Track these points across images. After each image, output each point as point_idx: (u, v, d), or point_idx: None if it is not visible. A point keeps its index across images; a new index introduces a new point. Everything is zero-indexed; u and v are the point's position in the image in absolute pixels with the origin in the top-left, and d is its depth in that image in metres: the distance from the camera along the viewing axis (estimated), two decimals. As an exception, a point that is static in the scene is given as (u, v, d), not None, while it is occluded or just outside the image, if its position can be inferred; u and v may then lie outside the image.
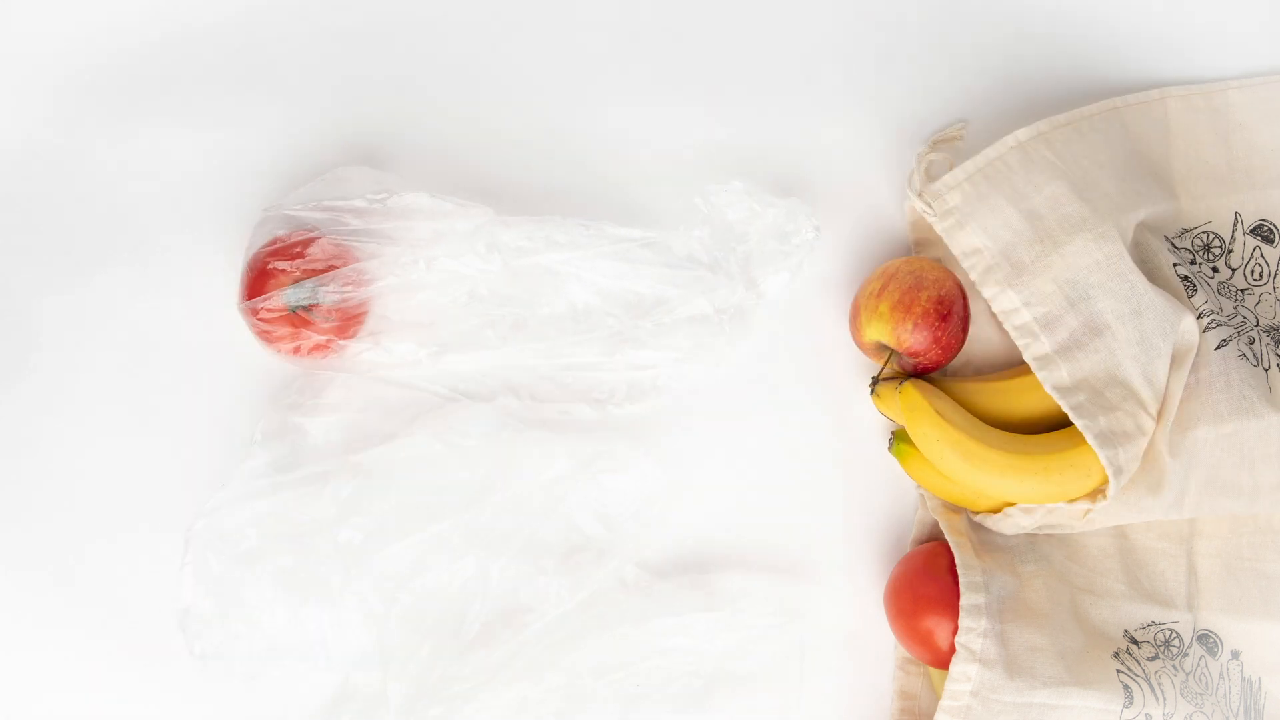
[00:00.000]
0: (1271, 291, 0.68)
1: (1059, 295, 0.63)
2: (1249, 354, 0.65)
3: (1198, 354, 0.65)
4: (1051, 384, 0.64)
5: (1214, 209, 0.71)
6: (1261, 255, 0.68)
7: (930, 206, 0.66)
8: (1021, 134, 0.66)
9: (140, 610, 0.70)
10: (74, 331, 0.71)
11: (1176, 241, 0.69)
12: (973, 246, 0.65)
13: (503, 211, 0.68)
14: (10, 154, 0.72)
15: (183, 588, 0.65)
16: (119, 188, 0.72)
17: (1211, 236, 0.70)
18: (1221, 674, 0.67)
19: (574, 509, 0.69)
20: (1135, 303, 0.63)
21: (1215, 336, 0.65)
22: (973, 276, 0.65)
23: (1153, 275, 0.67)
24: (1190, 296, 0.66)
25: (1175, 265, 0.67)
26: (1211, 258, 0.69)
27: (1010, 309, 0.65)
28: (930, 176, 0.68)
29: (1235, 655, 0.68)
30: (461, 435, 0.69)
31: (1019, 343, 0.64)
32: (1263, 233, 0.69)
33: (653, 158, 0.73)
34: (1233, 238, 0.70)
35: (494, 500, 0.68)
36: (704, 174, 0.72)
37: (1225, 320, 0.66)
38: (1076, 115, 0.68)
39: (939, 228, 0.66)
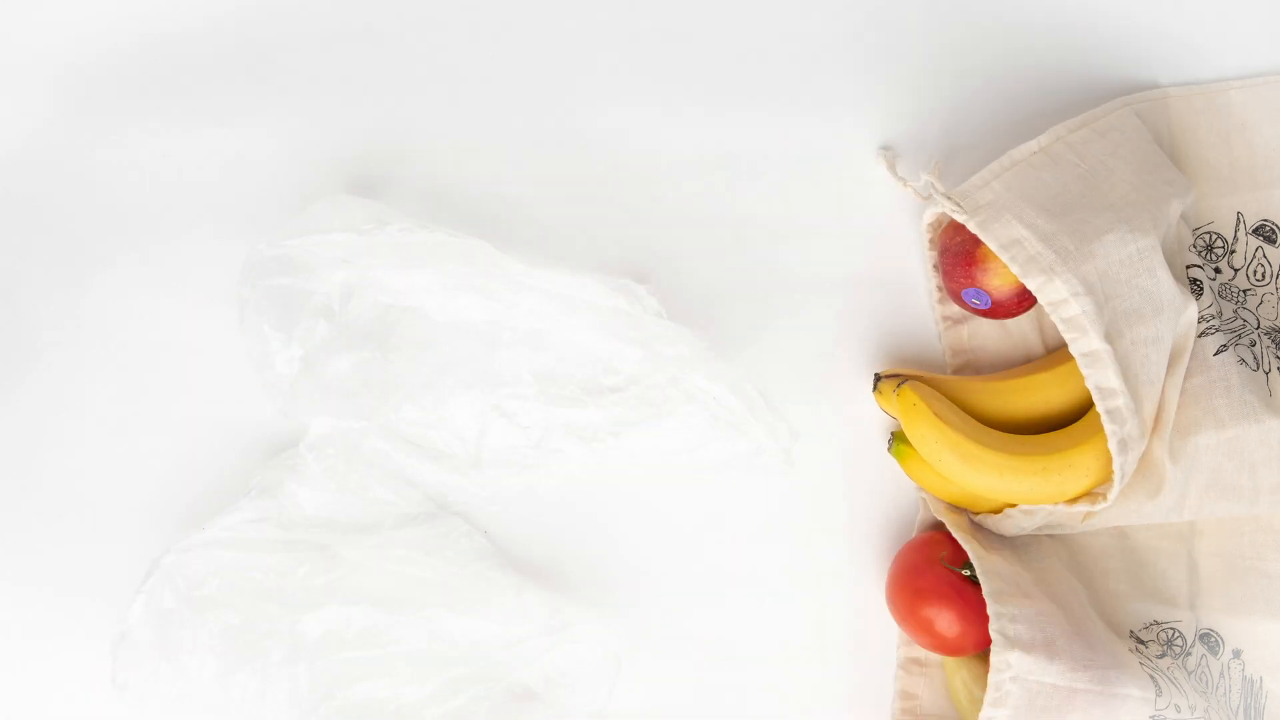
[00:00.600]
0: (1274, 292, 0.68)
1: (1100, 288, 0.61)
2: (1249, 358, 0.65)
3: (1199, 359, 0.64)
4: (1095, 383, 0.61)
5: (1216, 209, 0.70)
6: (1264, 255, 0.67)
7: (959, 205, 0.63)
8: (1043, 139, 0.65)
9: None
10: (75, 332, 0.70)
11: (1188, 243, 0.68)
12: (1012, 237, 0.62)
13: (499, 230, 0.67)
14: (10, 154, 0.71)
15: (130, 613, 0.64)
16: (120, 188, 0.71)
17: (1214, 237, 0.69)
18: (1222, 673, 0.67)
19: (527, 676, 0.68)
20: (1158, 300, 0.62)
21: (1214, 342, 0.65)
22: (1014, 269, 0.61)
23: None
24: (1197, 299, 0.66)
25: (1189, 266, 0.66)
26: (1214, 258, 0.69)
27: (1058, 300, 0.61)
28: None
29: (1236, 654, 0.68)
30: (441, 559, 0.68)
31: (1066, 336, 0.61)
32: (1265, 233, 0.68)
33: (655, 163, 0.71)
34: (1235, 238, 0.69)
35: (453, 644, 0.67)
36: (709, 179, 0.71)
37: (1225, 325, 0.66)
38: (1089, 117, 0.67)
39: (972, 224, 0.62)
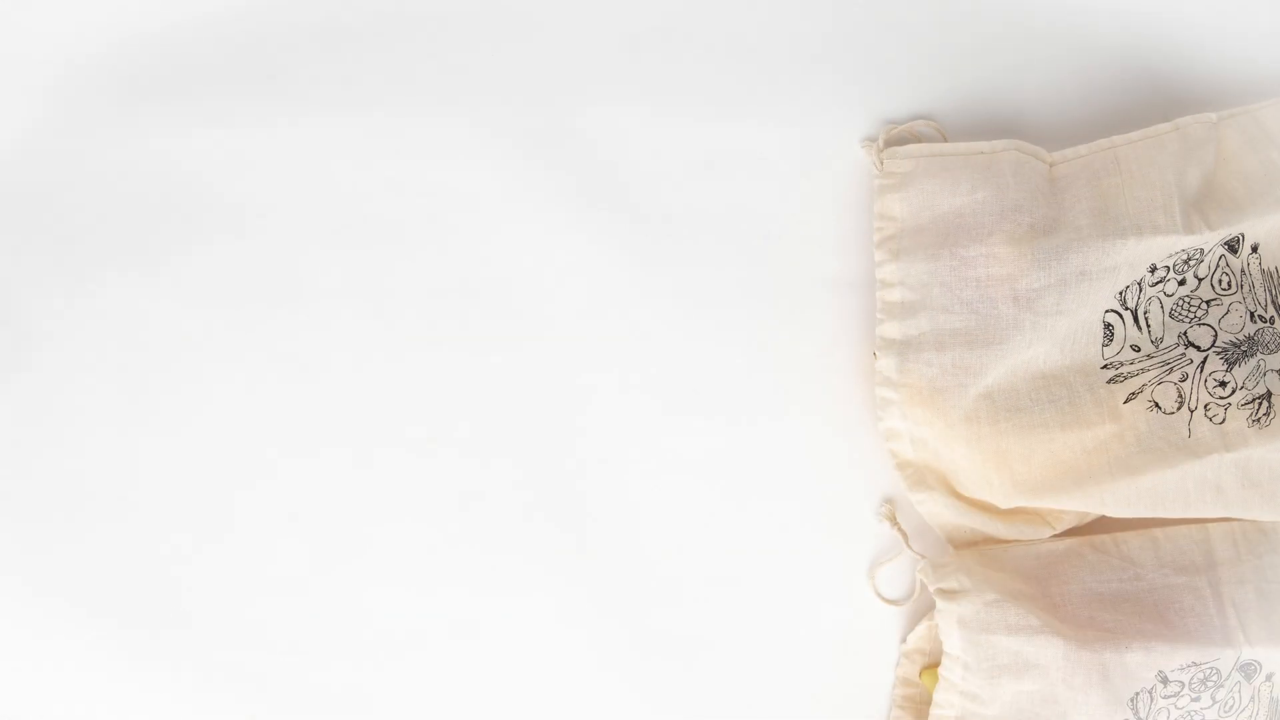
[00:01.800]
0: (1241, 301, 0.67)
1: (925, 290, 0.66)
2: (1163, 402, 0.65)
3: (1105, 406, 0.65)
4: (879, 366, 0.67)
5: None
6: (1227, 264, 0.67)
7: (881, 164, 0.68)
8: (999, 144, 0.67)
9: (138, 610, 0.70)
10: (74, 331, 0.70)
11: (1159, 262, 0.67)
12: (891, 212, 0.67)
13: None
14: (10, 152, 0.70)
15: None
16: (121, 188, 0.70)
17: (1193, 249, 0.68)
18: (1254, 696, 0.65)
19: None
20: (985, 335, 0.65)
21: (1123, 390, 0.65)
22: (875, 239, 0.68)
23: (1077, 314, 0.66)
24: (1105, 345, 0.66)
25: (1108, 311, 0.66)
26: (1189, 268, 0.67)
27: (889, 281, 0.67)
28: (896, 141, 0.70)
29: (1269, 678, 0.66)
30: None
31: (878, 315, 0.67)
32: (1229, 243, 0.67)
33: (655, 164, 0.72)
34: (1206, 249, 0.68)
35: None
36: (709, 179, 0.72)
37: (1143, 369, 0.66)
38: (1071, 154, 0.68)
39: (876, 183, 0.68)
